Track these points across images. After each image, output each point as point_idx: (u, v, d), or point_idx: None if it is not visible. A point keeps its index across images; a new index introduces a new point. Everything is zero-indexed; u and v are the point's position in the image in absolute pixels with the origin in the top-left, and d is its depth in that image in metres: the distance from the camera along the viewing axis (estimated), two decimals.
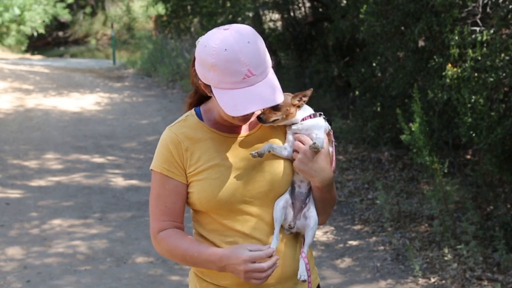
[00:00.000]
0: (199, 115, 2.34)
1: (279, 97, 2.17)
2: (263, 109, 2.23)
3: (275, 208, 2.28)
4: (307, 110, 2.34)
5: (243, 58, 2.11)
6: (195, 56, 2.22)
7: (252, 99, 2.13)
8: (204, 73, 2.18)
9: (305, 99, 2.30)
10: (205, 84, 2.21)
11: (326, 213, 2.38)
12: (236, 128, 2.32)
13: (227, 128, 2.32)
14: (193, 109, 2.36)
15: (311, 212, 2.33)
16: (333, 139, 2.37)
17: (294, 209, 2.32)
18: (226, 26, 2.18)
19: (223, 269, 2.20)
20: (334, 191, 2.36)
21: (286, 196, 2.31)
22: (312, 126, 2.31)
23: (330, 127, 2.35)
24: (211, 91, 2.20)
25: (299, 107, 2.31)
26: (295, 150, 2.29)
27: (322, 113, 2.35)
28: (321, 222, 2.37)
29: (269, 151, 2.29)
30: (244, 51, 2.11)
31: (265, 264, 2.15)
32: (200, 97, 2.37)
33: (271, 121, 2.27)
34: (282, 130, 2.36)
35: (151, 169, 2.32)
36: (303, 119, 2.32)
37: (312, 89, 2.35)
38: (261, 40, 2.17)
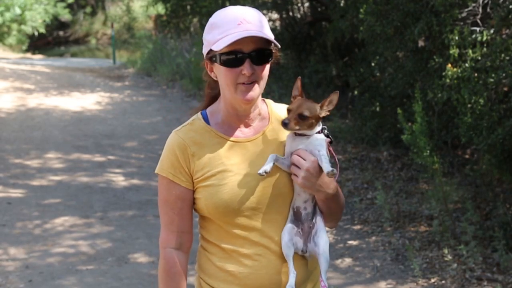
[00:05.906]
0: (205, 119, 2.30)
1: (270, 35, 2.20)
2: (289, 116, 2.21)
3: (282, 245, 2.22)
4: (319, 123, 2.27)
5: (239, 13, 2.19)
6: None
7: (244, 32, 2.15)
8: (207, 42, 2.22)
9: (332, 107, 2.25)
10: (209, 59, 2.22)
11: (335, 219, 2.36)
12: (242, 131, 2.28)
13: (234, 130, 2.27)
14: (199, 113, 2.32)
15: (320, 238, 2.25)
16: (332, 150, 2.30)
17: (303, 234, 2.25)
18: None
19: None
20: (341, 198, 2.32)
21: (289, 226, 2.24)
22: (318, 143, 2.23)
23: (330, 138, 2.29)
24: (213, 59, 2.20)
25: (324, 117, 2.24)
26: (294, 164, 2.22)
27: (326, 127, 2.30)
28: (331, 227, 2.37)
29: (274, 163, 2.21)
30: (240, 10, 2.21)
31: None
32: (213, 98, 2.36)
33: (295, 129, 2.21)
34: (286, 133, 2.30)
35: (157, 173, 2.28)
36: (317, 133, 2.26)
37: (338, 92, 2.25)
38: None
